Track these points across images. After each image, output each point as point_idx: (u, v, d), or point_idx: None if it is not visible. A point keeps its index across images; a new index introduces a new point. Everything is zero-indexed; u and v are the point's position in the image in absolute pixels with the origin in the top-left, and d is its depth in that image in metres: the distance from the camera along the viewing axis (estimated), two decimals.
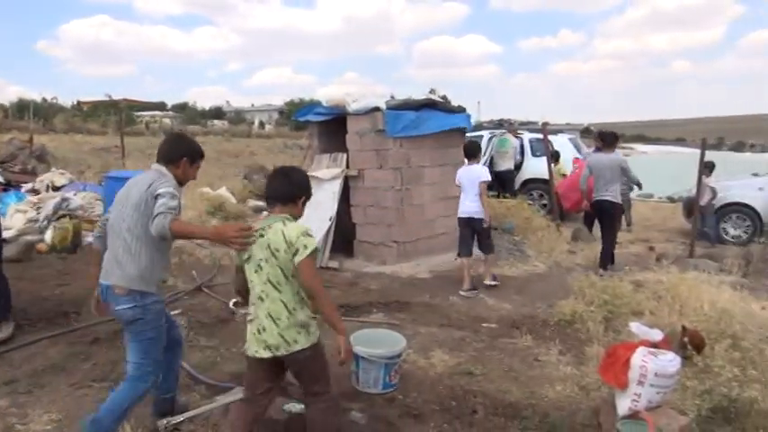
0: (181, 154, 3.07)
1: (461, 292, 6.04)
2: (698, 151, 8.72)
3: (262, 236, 2.63)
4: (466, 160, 6.73)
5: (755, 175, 10.11)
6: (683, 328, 4.08)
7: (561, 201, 9.81)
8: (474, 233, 6.32)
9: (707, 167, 9.45)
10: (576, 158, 11.60)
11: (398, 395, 3.63)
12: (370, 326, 4.66)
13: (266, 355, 2.63)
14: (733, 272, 6.79)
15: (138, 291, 2.81)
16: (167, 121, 42.09)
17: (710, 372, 3.39)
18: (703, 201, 9.06)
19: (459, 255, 6.39)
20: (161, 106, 62.19)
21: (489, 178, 6.37)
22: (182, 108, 59.44)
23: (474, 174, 6.23)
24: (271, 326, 2.62)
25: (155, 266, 2.89)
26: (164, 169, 3.00)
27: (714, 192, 9.46)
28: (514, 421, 3.34)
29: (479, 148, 7.09)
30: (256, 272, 2.65)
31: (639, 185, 8.19)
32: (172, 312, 4.93)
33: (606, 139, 6.98)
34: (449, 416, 3.39)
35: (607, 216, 6.91)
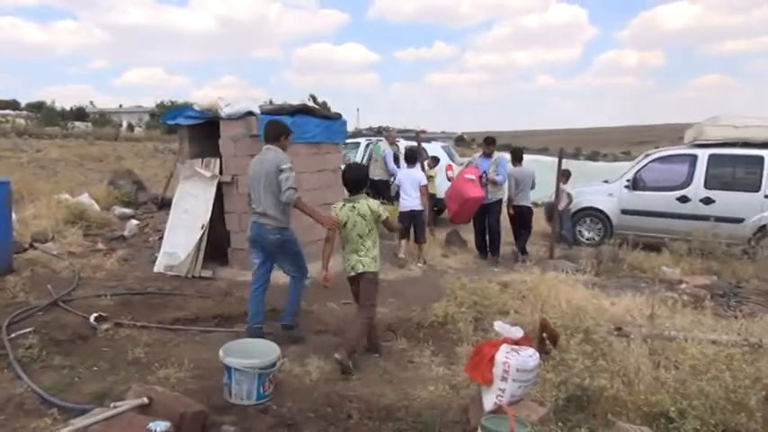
0: (279, 133, 4.77)
1: (400, 255, 7.99)
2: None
3: (354, 208, 4.38)
4: (406, 164, 8.21)
5: (606, 181, 11.04)
6: (541, 323, 4.37)
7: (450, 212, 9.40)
8: (412, 224, 7.97)
9: (564, 175, 10.29)
10: (450, 165, 12.08)
11: (273, 405, 3.56)
12: (245, 337, 4.54)
13: (355, 273, 4.42)
14: (587, 271, 7.38)
15: (282, 227, 4.62)
16: (21, 121, 38.32)
17: (566, 364, 3.65)
18: (561, 206, 9.79)
19: (401, 237, 8.04)
20: (13, 105, 56.60)
21: (426, 182, 8.18)
22: (37, 107, 54.38)
23: (416, 177, 7.94)
24: (359, 257, 4.42)
25: (286, 211, 4.61)
26: (274, 146, 4.69)
27: (570, 197, 10.27)
28: (389, 423, 3.40)
29: (417, 155, 8.50)
30: (352, 229, 4.40)
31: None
32: (21, 331, 4.53)
33: (518, 154, 8.83)
34: (324, 423, 3.38)
35: (528, 217, 8.88)
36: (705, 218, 9.00)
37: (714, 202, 9.23)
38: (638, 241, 8.85)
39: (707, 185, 9.34)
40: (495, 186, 8.40)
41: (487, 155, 8.54)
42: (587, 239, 10.34)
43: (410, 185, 7.85)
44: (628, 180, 10.08)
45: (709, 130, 9.65)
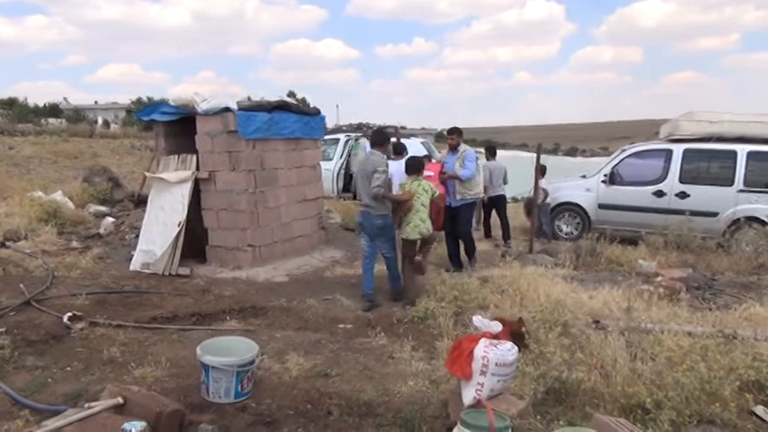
0: (383, 140, 6.10)
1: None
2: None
3: (419, 184, 5.86)
4: (394, 157, 7.83)
5: (584, 177, 11.15)
6: (519, 318, 4.39)
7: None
8: None
9: (540, 170, 10.38)
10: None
11: (251, 403, 3.52)
12: (223, 334, 4.50)
13: (419, 237, 5.76)
14: (566, 265, 7.44)
15: (383, 214, 5.74)
16: None
17: (545, 357, 3.67)
18: (538, 201, 9.87)
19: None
20: None
21: None
22: (9, 104, 53.17)
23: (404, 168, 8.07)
24: (421, 221, 5.73)
25: (384, 202, 5.73)
26: (378, 151, 5.90)
27: (546, 192, 10.34)
28: (369, 419, 3.39)
29: (405, 147, 8.83)
30: (417, 199, 5.76)
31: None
32: None
33: (492, 150, 10.01)
34: (303, 419, 3.35)
35: (503, 205, 9.70)
36: (680, 212, 9.12)
37: (689, 196, 9.36)
38: (616, 235, 8.94)
39: (682, 180, 9.47)
40: (464, 185, 7.25)
41: (453, 147, 7.47)
42: (566, 234, 10.43)
43: (400, 177, 7.75)
44: (605, 175, 10.18)
45: (685, 125, 9.77)
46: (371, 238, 5.94)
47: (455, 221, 7.36)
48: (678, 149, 9.59)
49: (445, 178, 7.23)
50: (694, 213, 9.00)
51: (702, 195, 9.28)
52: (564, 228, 10.54)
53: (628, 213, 9.85)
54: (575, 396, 3.44)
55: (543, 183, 10.44)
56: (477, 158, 7.47)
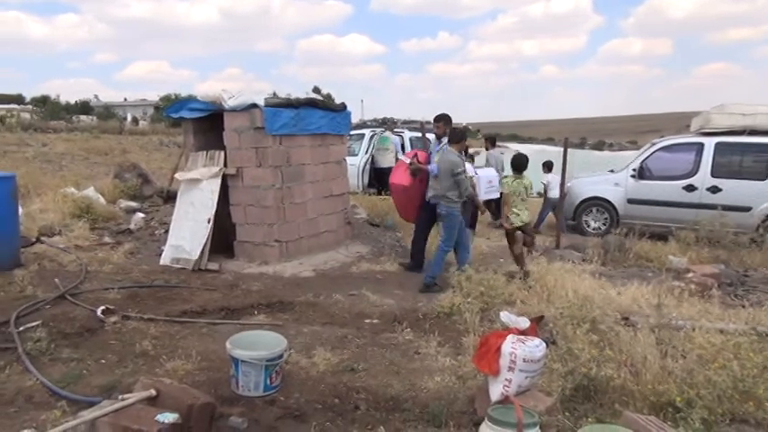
0: (460, 138, 6.41)
1: None
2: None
3: (520, 182, 6.56)
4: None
5: (612, 171, 11.01)
6: (540, 317, 4.35)
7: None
8: None
9: (545, 165, 10.55)
10: None
11: (280, 397, 3.57)
12: (252, 328, 4.56)
13: (521, 222, 6.58)
14: (593, 261, 7.37)
15: (451, 205, 6.21)
16: (26, 115, 38.41)
17: (573, 354, 3.65)
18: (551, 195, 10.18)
19: None
20: (18, 99, 56.69)
21: None
22: (42, 101, 54.45)
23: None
24: (518, 215, 6.55)
25: (454, 195, 6.18)
26: (455, 148, 6.30)
27: (545, 186, 10.77)
28: (396, 414, 3.41)
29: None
30: (517, 195, 6.53)
31: None
32: (29, 324, 4.56)
33: (492, 140, 10.64)
34: (331, 414, 3.39)
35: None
36: (712, 207, 8.96)
37: (721, 190, 9.19)
38: (645, 231, 8.83)
39: (714, 174, 9.29)
40: (438, 182, 6.37)
41: (439, 137, 6.95)
42: (593, 229, 10.32)
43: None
44: (634, 169, 10.04)
45: (716, 118, 9.58)
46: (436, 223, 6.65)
47: (430, 217, 6.85)
48: (710, 143, 9.41)
49: (413, 170, 6.74)
50: (726, 208, 8.82)
51: (735, 190, 9.09)
52: (592, 223, 10.42)
53: (658, 208, 9.70)
54: (604, 393, 3.41)
55: (547, 177, 10.52)
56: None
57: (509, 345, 3.17)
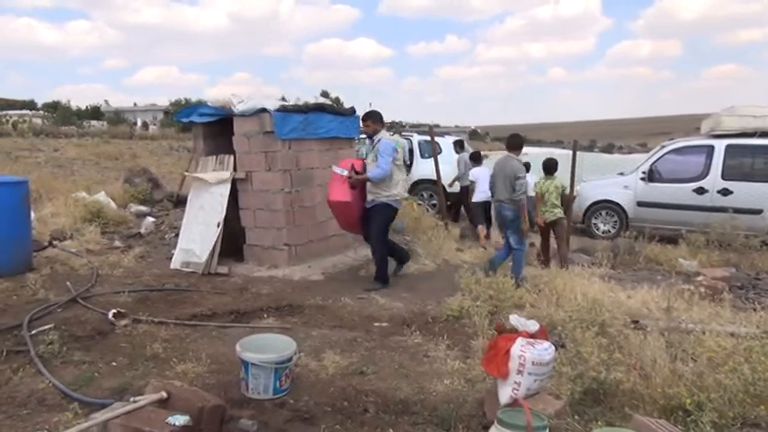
0: (519, 144, 6.84)
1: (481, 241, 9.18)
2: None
3: (551, 183, 7.52)
4: (473, 163, 10.02)
5: (622, 174, 10.97)
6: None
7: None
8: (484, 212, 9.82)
9: (473, 159, 10.60)
10: None
11: (289, 399, 3.58)
12: (261, 331, 4.58)
13: (554, 217, 7.47)
14: (603, 264, 7.35)
15: (513, 207, 6.49)
16: (38, 120, 38.80)
17: (582, 357, 3.64)
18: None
19: (475, 224, 9.75)
20: (30, 105, 57.27)
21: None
22: (53, 107, 54.99)
23: (487, 173, 8.85)
24: (548, 212, 7.47)
25: (514, 200, 6.46)
26: (514, 155, 6.63)
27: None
28: (405, 417, 3.41)
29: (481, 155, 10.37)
30: (549, 195, 7.47)
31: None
32: (42, 327, 4.61)
33: (461, 143, 11.30)
34: (340, 416, 3.40)
35: (466, 197, 10.38)
36: (723, 209, 8.92)
37: (732, 193, 9.14)
38: (655, 234, 8.78)
39: (724, 176, 9.25)
40: (377, 186, 6.12)
41: (369, 135, 6.41)
42: (603, 232, 10.29)
43: (483, 180, 9.14)
44: (643, 172, 10.01)
45: (727, 120, 9.53)
46: (503, 228, 6.95)
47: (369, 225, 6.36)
48: (720, 145, 9.36)
49: (353, 183, 6.16)
50: (737, 211, 8.78)
51: (746, 192, 9.04)
52: (601, 226, 10.39)
53: (668, 211, 9.67)
54: (613, 396, 3.39)
55: (478, 171, 10.16)
56: (396, 150, 6.19)
57: (518, 348, 3.16)
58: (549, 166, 7.64)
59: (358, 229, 6.67)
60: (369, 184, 6.19)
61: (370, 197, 6.23)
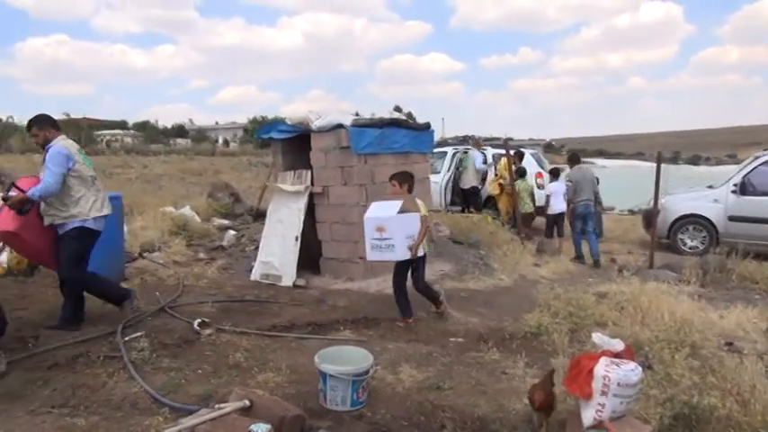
0: (577, 158, 9.97)
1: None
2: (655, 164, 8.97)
3: (524, 182, 10.64)
4: (551, 178, 10.59)
5: (710, 187, 10.41)
6: (550, 372, 3.59)
7: None
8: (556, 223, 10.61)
9: (552, 173, 10.17)
10: (539, 173, 11.81)
11: (367, 412, 3.60)
12: (338, 343, 4.64)
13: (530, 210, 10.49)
14: (691, 282, 6.98)
15: (592, 204, 9.25)
16: (128, 139, 41.34)
17: (671, 380, 3.46)
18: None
19: (549, 235, 10.38)
20: (122, 125, 61.03)
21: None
22: (142, 126, 58.38)
23: (562, 188, 9.98)
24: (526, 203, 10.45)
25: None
26: (581, 165, 9.71)
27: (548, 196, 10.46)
28: None
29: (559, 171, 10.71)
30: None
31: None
32: (133, 335, 4.86)
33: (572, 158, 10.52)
34: (417, 431, 3.38)
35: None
36: None
37: None
38: (749, 250, 8.25)
39: None
40: (51, 205, 4.87)
41: (41, 145, 5.08)
42: (690, 248, 9.77)
43: (558, 196, 9.89)
44: (735, 185, 9.46)
45: None
46: (584, 222, 9.08)
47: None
48: None
49: (9, 205, 4.71)
50: None
51: None
52: (688, 241, 9.88)
53: (763, 226, 9.06)
54: (707, 423, 3.20)
55: (553, 186, 10.00)
56: (69, 158, 4.85)
57: (602, 367, 3.05)
58: (521, 172, 10.52)
59: (51, 263, 5.19)
60: (42, 204, 4.88)
61: (47, 220, 4.90)
